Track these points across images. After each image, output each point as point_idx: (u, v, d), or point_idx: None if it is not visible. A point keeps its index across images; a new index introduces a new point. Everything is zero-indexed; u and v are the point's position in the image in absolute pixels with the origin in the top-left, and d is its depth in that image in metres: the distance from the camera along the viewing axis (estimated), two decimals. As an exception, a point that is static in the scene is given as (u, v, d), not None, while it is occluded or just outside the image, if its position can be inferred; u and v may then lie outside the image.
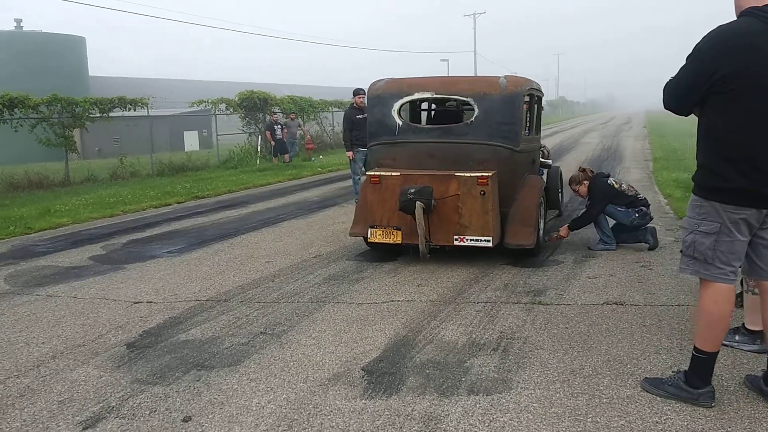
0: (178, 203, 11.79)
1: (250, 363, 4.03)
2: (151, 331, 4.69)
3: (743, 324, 4.02)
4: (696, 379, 3.30)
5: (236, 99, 21.94)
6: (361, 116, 10.55)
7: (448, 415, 3.28)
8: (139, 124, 24.78)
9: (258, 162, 20.12)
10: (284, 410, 3.38)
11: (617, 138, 28.64)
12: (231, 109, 22.19)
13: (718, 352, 3.27)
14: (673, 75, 3.14)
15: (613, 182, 6.89)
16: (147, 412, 3.40)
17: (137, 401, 3.53)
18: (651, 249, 6.79)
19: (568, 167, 12.45)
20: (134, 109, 17.97)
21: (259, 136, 21.62)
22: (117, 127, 23.14)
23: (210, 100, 21.28)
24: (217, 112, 21.84)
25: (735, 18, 3.06)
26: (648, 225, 6.88)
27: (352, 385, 3.66)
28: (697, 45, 3.03)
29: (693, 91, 3.06)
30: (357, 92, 10.86)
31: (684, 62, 3.08)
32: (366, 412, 3.34)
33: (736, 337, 3.98)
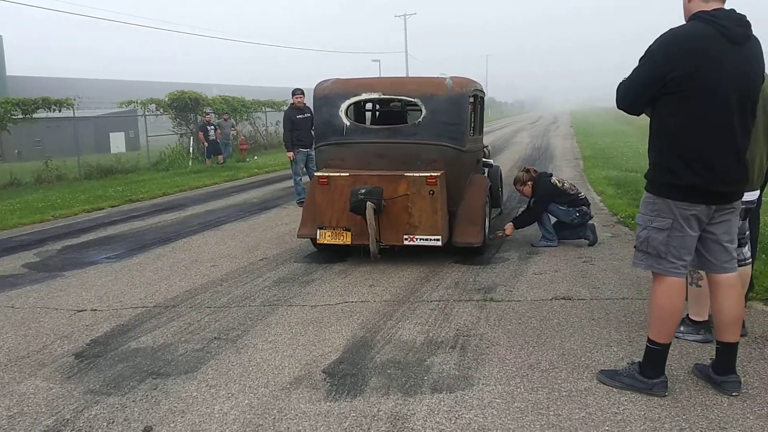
0: (112, 207, 11.39)
1: (207, 369, 3.94)
2: (99, 340, 4.52)
3: (687, 315, 4.19)
4: (650, 370, 3.43)
5: (166, 99, 21.39)
6: (301, 116, 10.55)
7: (414, 414, 3.30)
8: (62, 126, 23.84)
9: (190, 164, 19.68)
10: (248, 416, 3.32)
11: (547, 137, 29.41)
12: (161, 110, 21.63)
13: (670, 343, 3.40)
14: (626, 76, 3.26)
15: (556, 181, 7.08)
16: (105, 424, 3.28)
17: (93, 413, 3.40)
18: (591, 245, 7.02)
19: (503, 166, 12.71)
20: (59, 110, 17.25)
21: (191, 138, 21.16)
22: (38, 129, 22.15)
23: (139, 101, 20.68)
24: (146, 113, 21.24)
25: (684, 22, 3.20)
26: (587, 222, 7.10)
27: (314, 388, 3.63)
28: (649, 47, 3.15)
29: (645, 91, 3.17)
30: (296, 92, 10.78)
31: (636, 64, 3.20)
32: (332, 414, 3.32)
33: (681, 328, 4.14)
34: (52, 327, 4.84)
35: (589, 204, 7.17)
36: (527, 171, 7.30)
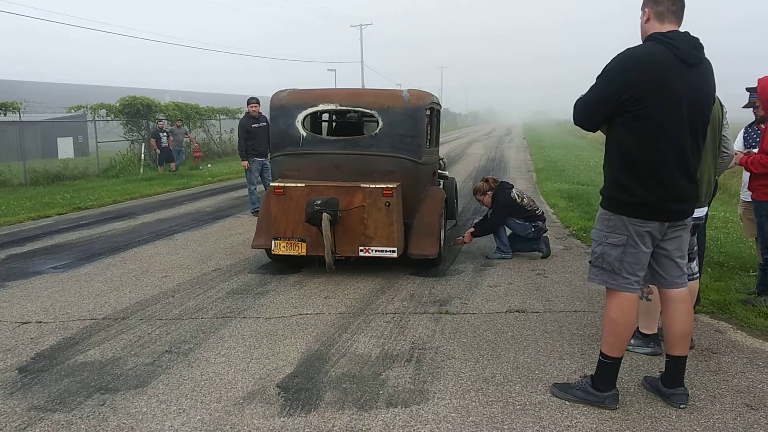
0: (59, 215, 11.06)
1: (157, 384, 3.85)
2: (44, 354, 4.36)
3: (638, 328, 4.28)
4: (602, 383, 3.48)
5: (117, 105, 20.95)
6: (256, 125, 10.42)
7: (369, 429, 3.28)
8: (7, 130, 23.16)
9: (141, 171, 19.30)
10: (200, 433, 3.25)
11: (500, 149, 29.82)
12: (112, 115, 21.16)
13: (622, 357, 3.47)
14: (584, 93, 3.32)
15: (516, 195, 7.17)
16: (49, 443, 3.16)
17: (37, 430, 3.28)
18: (544, 257, 7.12)
19: (457, 177, 12.83)
20: (4, 114, 16.72)
21: (143, 144, 20.75)
22: (-21, 133, 21.45)
23: (89, 105, 20.20)
24: (96, 119, 20.76)
25: (641, 42, 3.27)
26: (542, 236, 7.20)
27: (268, 403, 3.58)
28: (606, 66, 3.21)
29: (601, 109, 3.24)
30: (250, 101, 10.63)
31: (594, 82, 3.26)
32: (286, 429, 3.27)
33: (632, 341, 4.23)
34: (-6, 340, 4.66)
35: (545, 220, 7.29)
36: (487, 181, 7.39)
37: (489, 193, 7.28)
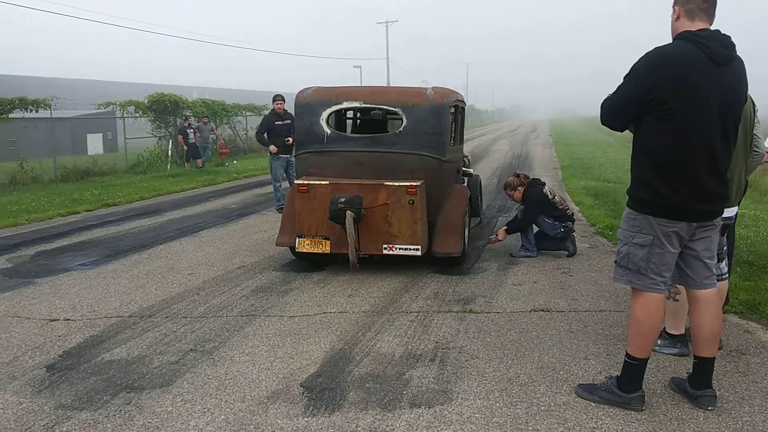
0: (88, 211, 11.21)
1: (182, 383, 3.88)
2: (71, 352, 4.43)
3: (665, 328, 4.22)
4: (628, 384, 3.44)
5: (146, 101, 21.19)
6: (280, 122, 10.45)
7: (393, 429, 3.27)
8: (39, 126, 23.52)
9: (169, 167, 19.51)
10: None
11: (526, 146, 29.61)
12: (140, 112, 21.41)
13: (648, 358, 3.42)
14: (611, 92, 3.27)
15: (548, 192, 7.11)
16: (76, 440, 3.21)
17: (64, 429, 3.32)
18: (570, 256, 7.05)
19: (482, 175, 12.77)
20: (36, 111, 16.98)
21: (170, 140, 20.97)
22: (13, 129, 21.80)
23: (118, 102, 20.46)
24: (125, 115, 21.02)
25: (671, 41, 3.21)
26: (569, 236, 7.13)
27: (292, 403, 3.59)
28: (634, 65, 3.16)
29: (629, 108, 3.19)
30: (276, 98, 10.67)
31: (621, 81, 3.21)
32: (309, 430, 3.28)
33: (659, 342, 4.17)
34: (24, 337, 4.73)
35: (575, 221, 7.21)
36: (518, 176, 7.34)
37: (520, 188, 7.23)
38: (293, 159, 9.63)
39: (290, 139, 10.15)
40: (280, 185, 10.67)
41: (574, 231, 7.23)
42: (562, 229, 7.00)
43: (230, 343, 4.53)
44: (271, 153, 10.59)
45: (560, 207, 7.06)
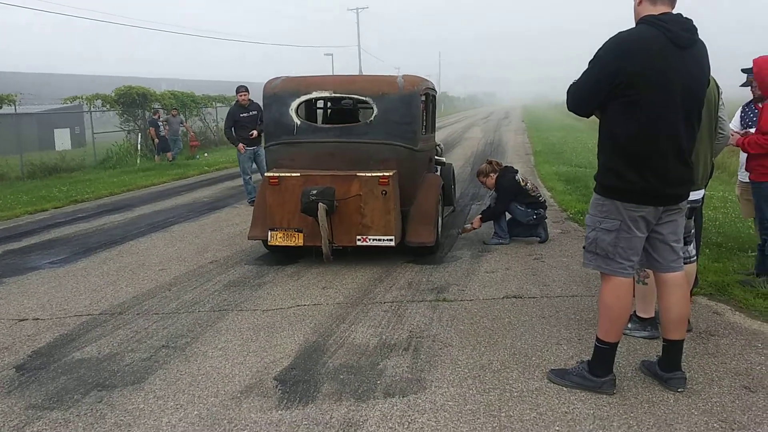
0: (56, 208, 11.01)
1: (154, 379, 3.84)
2: (41, 351, 4.35)
3: (634, 312, 4.27)
4: (599, 369, 3.48)
5: (113, 95, 20.86)
6: (245, 114, 10.25)
7: (367, 420, 3.27)
8: (3, 123, 23.04)
9: (139, 161, 19.25)
10: (197, 428, 3.25)
11: (498, 132, 29.72)
12: (107, 106, 21.07)
13: (618, 341, 3.46)
14: (576, 79, 3.28)
15: (520, 179, 7.14)
16: (46, 441, 3.16)
17: (35, 429, 3.28)
18: (542, 242, 7.11)
19: (455, 162, 12.81)
20: (0, 107, 16.63)
21: (139, 134, 20.68)
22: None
23: (84, 96, 20.12)
24: (92, 109, 20.67)
25: (634, 25, 3.23)
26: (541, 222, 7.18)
27: (266, 396, 3.57)
28: (598, 51, 3.18)
29: (594, 94, 3.21)
30: (239, 90, 10.33)
31: (586, 67, 3.22)
32: (283, 423, 3.27)
33: (629, 325, 4.22)
34: (-9, 338, 4.65)
35: (546, 207, 7.26)
36: (490, 163, 7.37)
37: (492, 175, 7.26)
38: (261, 150, 9.59)
39: (254, 132, 10.11)
40: (250, 178, 10.54)
41: (546, 218, 7.28)
42: (535, 216, 7.05)
43: (203, 339, 4.49)
44: (239, 152, 10.44)
45: (532, 194, 7.10)
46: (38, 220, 9.91)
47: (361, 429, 3.18)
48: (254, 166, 10.63)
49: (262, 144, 9.41)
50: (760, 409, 3.27)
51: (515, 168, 7.51)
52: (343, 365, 3.97)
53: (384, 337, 4.42)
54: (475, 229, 7.24)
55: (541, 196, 7.25)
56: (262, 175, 9.49)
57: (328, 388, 3.65)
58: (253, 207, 8.40)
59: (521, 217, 7.07)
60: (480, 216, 7.23)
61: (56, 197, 12.13)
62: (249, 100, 10.31)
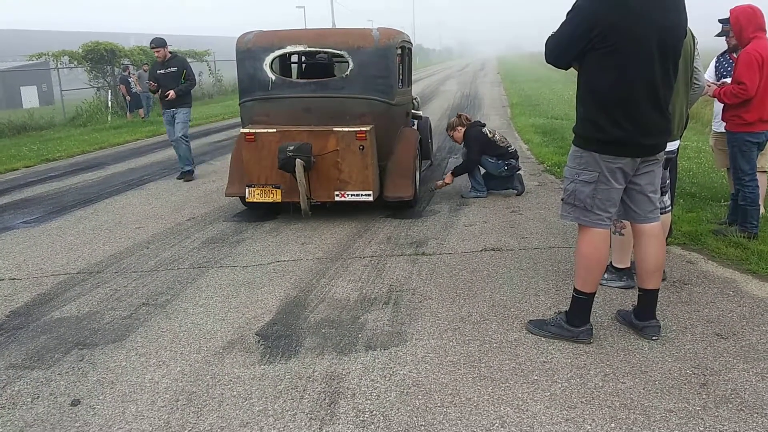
0: (27, 167, 10.80)
1: (136, 337, 3.84)
2: (19, 311, 4.32)
3: (611, 262, 4.34)
4: (576, 319, 3.55)
5: (80, 51, 20.32)
6: (163, 71, 8.98)
7: (349, 372, 3.32)
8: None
9: (110, 119, 18.87)
10: (180, 384, 3.27)
11: (474, 85, 29.58)
12: (75, 62, 20.53)
13: (595, 292, 3.52)
14: (554, 30, 3.26)
15: (487, 131, 7.13)
16: (29, 399, 3.16)
17: (16, 388, 3.27)
18: (519, 195, 7.15)
19: (432, 115, 12.74)
20: (-38, 64, 16.15)
21: (109, 91, 20.23)
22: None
23: (50, 53, 19.58)
24: (59, 66, 20.13)
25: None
26: (515, 174, 7.21)
27: (248, 352, 3.60)
28: (576, 2, 3.15)
29: (572, 45, 3.19)
30: (154, 44, 8.96)
31: (564, 18, 3.20)
32: (266, 377, 3.30)
33: (605, 275, 4.29)
34: (-33, 299, 4.60)
35: (518, 157, 7.27)
36: (459, 117, 7.37)
37: (459, 128, 7.25)
38: (181, 113, 8.94)
39: (170, 93, 8.82)
40: (177, 144, 9.11)
41: (520, 168, 7.30)
42: (506, 167, 7.05)
43: (183, 296, 4.48)
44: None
45: (501, 145, 7.09)
46: (9, 179, 9.72)
47: (343, 382, 3.23)
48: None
49: (189, 105, 9.04)
50: (732, 355, 3.37)
51: (483, 122, 7.50)
52: (325, 320, 4.00)
53: (364, 291, 4.46)
54: (447, 184, 7.22)
55: (510, 146, 7.24)
56: (179, 139, 8.88)
57: (309, 343, 3.68)
58: (183, 181, 8.60)
59: (493, 169, 7.09)
60: (452, 172, 7.22)
61: (27, 156, 11.88)
62: (169, 54, 9.03)
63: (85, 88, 21.16)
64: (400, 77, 7.02)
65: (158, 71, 9.02)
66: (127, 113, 19.09)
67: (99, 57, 20.64)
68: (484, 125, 7.30)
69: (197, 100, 25.10)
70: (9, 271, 5.20)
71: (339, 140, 5.89)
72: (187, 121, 9.12)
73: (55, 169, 10.49)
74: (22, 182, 9.37)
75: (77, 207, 7.49)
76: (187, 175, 8.99)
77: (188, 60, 26.05)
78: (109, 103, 19.79)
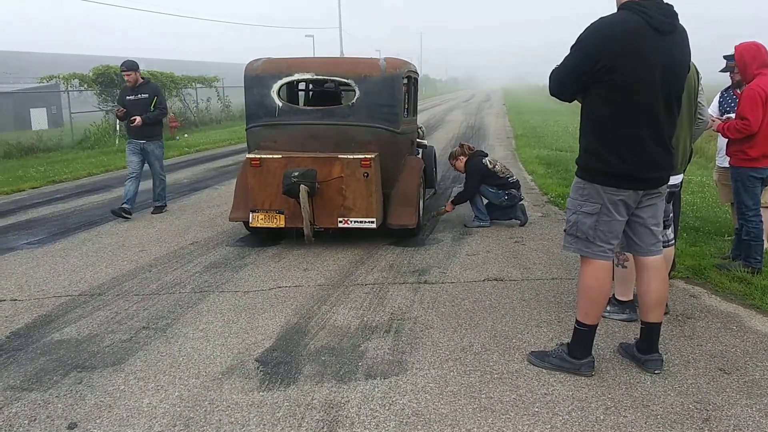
0: (33, 189, 10.86)
1: (135, 361, 3.82)
2: (19, 332, 4.31)
3: (613, 295, 4.32)
4: (578, 351, 3.52)
5: (91, 74, 20.53)
6: (132, 97, 8.18)
7: (348, 401, 3.29)
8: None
9: (117, 142, 18.99)
10: (178, 409, 3.24)
11: (480, 115, 29.75)
12: (85, 85, 20.74)
13: (597, 324, 3.50)
14: (559, 63, 3.29)
15: (488, 162, 7.16)
16: (26, 422, 3.14)
17: (13, 410, 3.25)
18: (522, 225, 7.15)
19: (437, 145, 12.78)
20: (-26, 85, 16.33)
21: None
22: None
23: (61, 75, 19.78)
24: (69, 89, 20.34)
25: (615, 10, 3.24)
26: (517, 204, 7.21)
27: (247, 378, 3.58)
28: (580, 35, 3.19)
29: (576, 79, 3.22)
30: (125, 67, 8.24)
31: (568, 51, 3.23)
32: (265, 404, 3.28)
33: (608, 308, 4.27)
34: (-32, 319, 4.59)
35: (520, 187, 7.28)
36: (461, 146, 7.43)
37: (461, 158, 7.30)
38: (154, 146, 8.26)
39: (137, 119, 7.98)
40: (132, 180, 8.13)
41: (522, 198, 7.31)
42: (506, 197, 7.06)
43: (184, 320, 4.47)
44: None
45: (501, 176, 7.10)
46: (15, 200, 9.77)
47: (342, 410, 3.20)
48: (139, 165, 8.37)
49: (161, 138, 8.33)
50: (735, 391, 3.34)
51: (485, 152, 7.54)
52: (325, 347, 3.98)
53: (365, 319, 4.44)
54: (447, 212, 7.32)
55: (511, 176, 7.24)
56: (155, 178, 8.34)
57: (309, 370, 3.66)
58: (122, 217, 7.76)
59: (494, 199, 7.10)
60: (451, 200, 7.29)
61: (33, 177, 11.95)
62: (141, 79, 8.29)
63: (93, 111, 21.33)
64: (406, 106, 7.08)
65: (127, 97, 8.23)
66: (134, 137, 19.21)
67: (109, 80, 20.85)
68: (485, 155, 7.34)
69: (205, 126, 25.36)
70: (11, 292, 5.20)
71: (344, 167, 5.92)
72: (161, 155, 8.51)
73: (60, 191, 10.54)
74: (27, 203, 9.41)
75: (81, 229, 7.51)
76: (158, 210, 8.41)
77: (197, 86, 26.27)
78: (117, 126, 19.93)
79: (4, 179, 11.82)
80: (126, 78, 8.27)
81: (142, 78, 8.38)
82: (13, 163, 14.85)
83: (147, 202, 8.82)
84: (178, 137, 20.64)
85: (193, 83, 26.57)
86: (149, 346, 4.04)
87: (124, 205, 7.96)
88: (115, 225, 7.70)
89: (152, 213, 8.38)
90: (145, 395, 3.39)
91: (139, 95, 8.21)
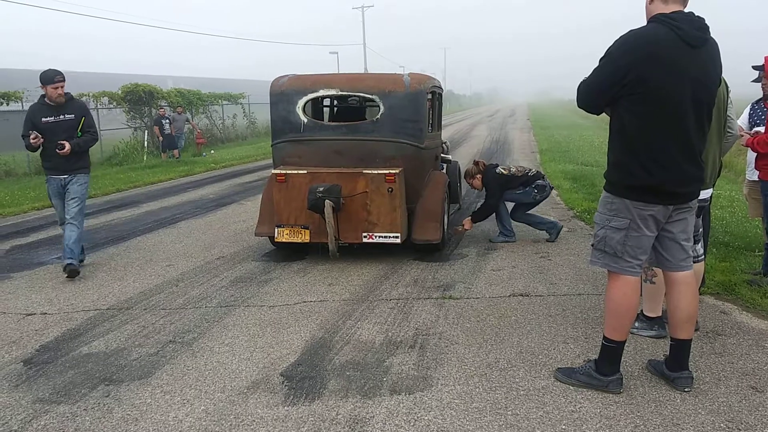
0: (63, 204, 11.04)
1: (161, 374, 3.85)
2: (49, 346, 4.38)
3: (642, 311, 4.26)
4: (606, 367, 3.47)
5: (120, 92, 20.91)
6: (51, 119, 6.12)
7: (373, 417, 3.28)
8: (11, 119, 23.07)
9: (145, 158, 19.29)
10: (204, 423, 3.26)
11: (504, 130, 29.68)
12: (114, 103, 21.12)
13: (625, 340, 3.45)
14: (587, 76, 3.28)
15: (502, 170, 7.08)
16: (54, 435, 3.18)
17: (42, 423, 3.29)
18: (549, 241, 7.08)
19: (461, 160, 12.77)
20: (7, 104, 16.67)
21: (146, 131, 20.74)
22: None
23: (91, 93, 20.16)
24: (99, 106, 20.71)
25: (645, 23, 3.22)
26: (556, 221, 7.13)
27: (272, 392, 3.58)
28: (609, 48, 3.17)
29: (604, 92, 3.20)
30: (47, 78, 6.06)
31: (597, 64, 3.22)
32: (290, 419, 3.28)
33: (636, 324, 4.21)
34: (0, 332, 4.67)
35: (544, 176, 7.19)
36: (476, 164, 7.35)
37: (478, 176, 7.21)
38: (76, 179, 6.31)
39: (66, 144, 6.04)
40: (74, 228, 6.25)
41: (552, 187, 7.11)
42: (536, 190, 6.97)
43: (210, 334, 4.50)
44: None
45: (520, 175, 7.02)
46: (45, 215, 9.93)
47: (367, 426, 3.19)
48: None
49: (88, 170, 6.45)
50: (767, 409, 3.26)
51: (495, 163, 7.43)
52: (350, 362, 3.97)
53: (390, 334, 4.43)
54: (466, 230, 7.12)
55: (530, 171, 7.12)
56: (71, 221, 6.22)
57: (334, 385, 3.65)
58: (65, 272, 5.95)
59: (524, 198, 7.01)
60: (470, 217, 7.11)
61: (63, 193, 12.13)
62: (67, 95, 6.23)
63: (122, 128, 21.70)
64: (430, 122, 7.08)
65: (44, 119, 6.12)
66: (162, 153, 19.50)
67: (137, 98, 21.22)
68: (497, 165, 7.25)
69: (231, 142, 25.63)
70: (41, 306, 5.28)
71: (368, 182, 5.94)
72: (85, 194, 6.47)
73: (89, 207, 10.63)
74: (57, 219, 9.54)
75: (109, 244, 7.62)
76: (71, 269, 6.01)
77: (224, 103, 26.60)
78: (145, 143, 20.25)
79: (35, 195, 12.06)
80: (52, 92, 6.10)
81: (65, 94, 6.21)
82: (44, 179, 15.09)
83: (189, 212, 8.89)
84: (204, 153, 20.91)
85: (219, 100, 26.93)
86: (176, 360, 4.07)
87: (70, 262, 6.02)
88: (143, 240, 7.80)
89: (65, 274, 6.04)
90: (171, 409, 3.41)
91: (62, 116, 6.17)
